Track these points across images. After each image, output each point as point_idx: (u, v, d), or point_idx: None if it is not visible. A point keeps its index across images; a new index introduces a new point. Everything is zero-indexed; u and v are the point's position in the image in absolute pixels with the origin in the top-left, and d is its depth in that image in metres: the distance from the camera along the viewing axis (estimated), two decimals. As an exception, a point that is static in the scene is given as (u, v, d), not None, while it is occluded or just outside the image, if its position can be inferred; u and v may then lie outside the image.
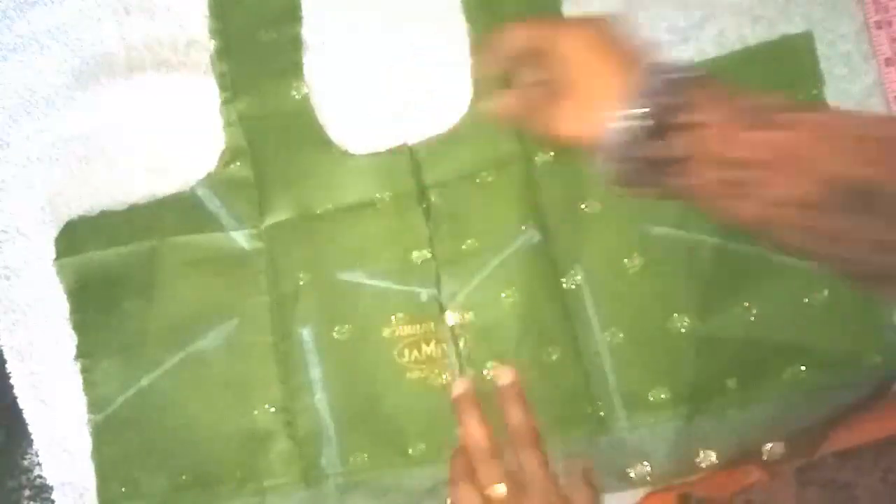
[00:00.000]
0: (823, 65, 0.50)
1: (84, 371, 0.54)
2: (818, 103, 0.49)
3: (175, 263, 0.54)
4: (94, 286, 0.55)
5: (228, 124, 0.55)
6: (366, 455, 0.51)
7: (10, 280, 0.57)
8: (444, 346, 0.51)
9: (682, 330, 0.49)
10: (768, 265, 0.48)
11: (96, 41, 0.58)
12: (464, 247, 0.52)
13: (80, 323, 0.55)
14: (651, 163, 0.36)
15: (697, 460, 0.48)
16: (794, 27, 0.51)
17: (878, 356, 0.47)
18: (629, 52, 0.39)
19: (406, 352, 0.51)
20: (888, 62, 0.50)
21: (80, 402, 0.54)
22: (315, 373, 0.52)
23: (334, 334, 0.52)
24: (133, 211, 0.55)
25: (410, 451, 0.51)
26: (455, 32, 0.54)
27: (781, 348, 0.48)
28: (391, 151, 0.54)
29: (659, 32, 0.52)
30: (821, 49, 0.50)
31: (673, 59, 0.42)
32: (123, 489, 0.53)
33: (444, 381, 0.51)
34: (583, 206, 0.51)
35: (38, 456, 0.56)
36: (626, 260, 0.50)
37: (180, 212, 0.55)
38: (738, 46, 0.51)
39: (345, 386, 0.52)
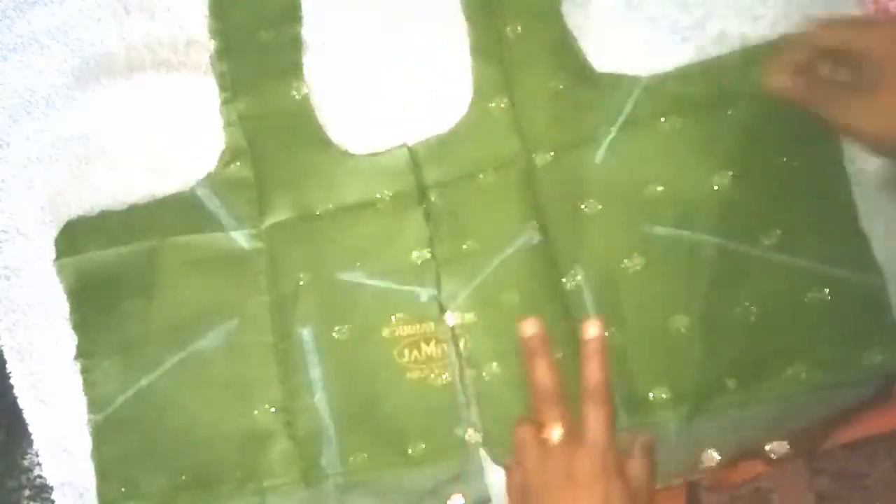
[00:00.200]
0: (823, 65, 0.50)
1: (84, 371, 0.54)
2: None
3: (175, 263, 0.54)
4: (94, 286, 0.55)
5: (228, 124, 0.55)
6: (366, 455, 0.51)
7: (10, 280, 0.57)
8: (444, 346, 0.51)
9: (683, 330, 0.49)
10: (769, 265, 0.48)
11: (96, 41, 0.58)
12: (464, 247, 0.52)
13: (80, 323, 0.55)
14: None
15: (698, 460, 0.48)
16: (795, 27, 0.50)
17: (880, 355, 0.47)
18: None
19: (406, 352, 0.51)
20: (889, 62, 0.50)
21: (80, 402, 0.54)
22: (315, 373, 0.52)
23: (334, 334, 0.52)
24: (133, 211, 0.55)
25: (410, 451, 0.51)
26: (455, 32, 0.54)
27: (782, 348, 0.48)
28: (391, 151, 0.54)
29: (659, 32, 0.52)
30: (821, 49, 0.50)
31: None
32: (123, 489, 0.53)
33: (444, 381, 0.51)
34: (583, 207, 0.51)
35: (38, 456, 0.56)
36: (626, 260, 0.50)
37: (180, 212, 0.55)
38: (738, 46, 0.51)
39: (345, 386, 0.52)
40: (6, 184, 0.58)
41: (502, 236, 0.51)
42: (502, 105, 0.52)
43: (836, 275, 0.48)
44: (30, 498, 0.57)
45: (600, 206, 0.51)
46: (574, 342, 0.49)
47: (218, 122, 0.55)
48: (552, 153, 0.52)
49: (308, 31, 0.56)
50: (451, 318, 0.51)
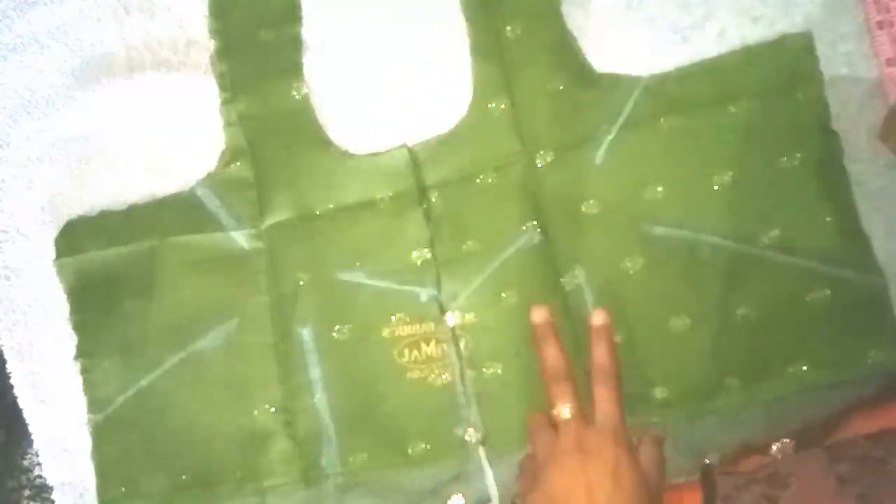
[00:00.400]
0: (823, 65, 0.50)
1: (84, 371, 0.54)
2: None
3: (175, 263, 0.54)
4: (94, 286, 0.55)
5: (228, 124, 0.55)
6: (366, 455, 0.51)
7: (10, 280, 0.57)
8: (444, 346, 0.51)
9: (683, 330, 0.49)
10: (769, 265, 0.48)
11: (96, 41, 0.58)
12: (464, 247, 0.52)
13: (80, 323, 0.55)
14: None
15: (700, 460, 0.48)
16: (794, 27, 0.51)
17: (882, 354, 0.47)
18: None
19: (406, 352, 0.51)
20: (889, 62, 0.50)
21: (80, 402, 0.54)
22: (315, 373, 0.52)
23: (334, 334, 0.52)
24: (133, 211, 0.55)
25: (410, 451, 0.51)
26: (455, 32, 0.54)
27: (783, 348, 0.48)
28: (391, 151, 0.53)
29: (659, 32, 0.52)
30: (821, 49, 0.50)
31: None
32: (123, 489, 0.53)
33: (444, 381, 0.51)
34: (583, 207, 0.51)
35: (38, 456, 0.56)
36: (626, 260, 0.50)
37: (180, 212, 0.55)
38: (738, 46, 0.51)
39: (345, 386, 0.52)
40: (6, 184, 0.58)
41: (502, 237, 0.51)
42: (502, 105, 0.52)
43: (837, 275, 0.48)
44: (30, 498, 0.57)
45: (600, 207, 0.51)
46: (574, 342, 0.49)
47: (218, 122, 0.55)
48: (552, 153, 0.52)
49: (308, 31, 0.56)
50: (452, 319, 0.51)
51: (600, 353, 0.46)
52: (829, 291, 0.48)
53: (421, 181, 0.53)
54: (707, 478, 0.42)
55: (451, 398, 0.51)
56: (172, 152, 0.56)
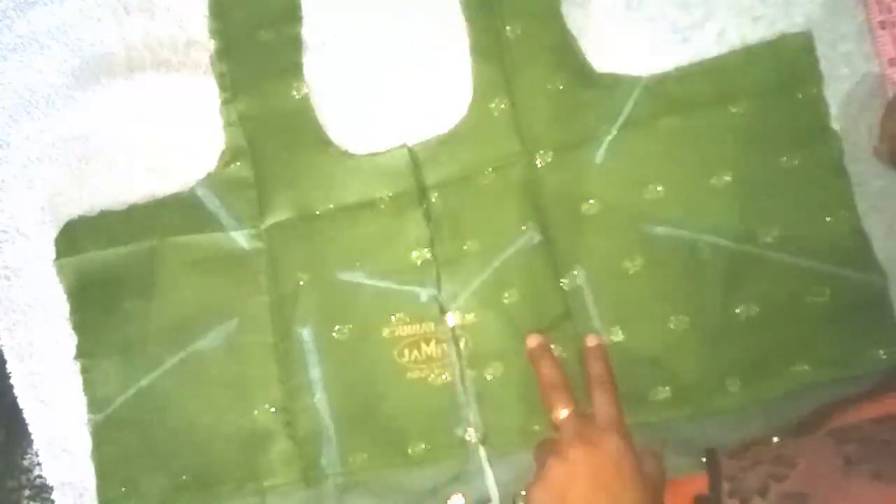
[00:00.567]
0: (823, 65, 0.50)
1: (84, 371, 0.55)
2: None
3: (175, 263, 0.54)
4: (94, 286, 0.55)
5: (228, 124, 0.55)
6: (366, 455, 0.51)
7: (10, 280, 0.57)
8: (444, 346, 0.51)
9: (683, 329, 0.49)
10: (769, 264, 0.48)
11: (96, 41, 0.58)
12: (464, 247, 0.52)
13: (80, 323, 0.55)
14: None
15: (700, 460, 0.48)
16: (795, 27, 0.51)
17: (882, 352, 0.47)
18: None
19: (406, 352, 0.51)
20: (892, 62, 0.50)
21: (80, 402, 0.55)
22: (315, 373, 0.52)
23: (334, 334, 0.52)
24: (133, 211, 0.55)
25: (410, 451, 0.51)
26: (455, 32, 0.54)
27: (783, 347, 0.48)
28: (391, 152, 0.53)
29: (659, 32, 0.52)
30: (821, 49, 0.50)
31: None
32: (123, 489, 0.53)
33: (444, 381, 0.51)
34: (583, 207, 0.51)
35: (38, 456, 0.56)
36: (626, 260, 0.50)
37: (180, 212, 0.55)
38: (738, 46, 0.51)
39: (345, 386, 0.52)
40: (6, 184, 0.58)
41: (503, 237, 0.51)
42: (502, 105, 0.52)
43: (837, 274, 0.48)
44: (30, 498, 0.57)
45: (600, 207, 0.51)
46: (574, 343, 0.50)
47: (218, 122, 0.55)
48: (552, 153, 0.52)
49: (308, 31, 0.56)
50: (452, 319, 0.51)
51: (596, 367, 0.47)
52: (829, 291, 0.48)
53: (421, 181, 0.53)
54: (712, 459, 0.42)
55: (451, 398, 0.51)
56: (172, 152, 0.56)
